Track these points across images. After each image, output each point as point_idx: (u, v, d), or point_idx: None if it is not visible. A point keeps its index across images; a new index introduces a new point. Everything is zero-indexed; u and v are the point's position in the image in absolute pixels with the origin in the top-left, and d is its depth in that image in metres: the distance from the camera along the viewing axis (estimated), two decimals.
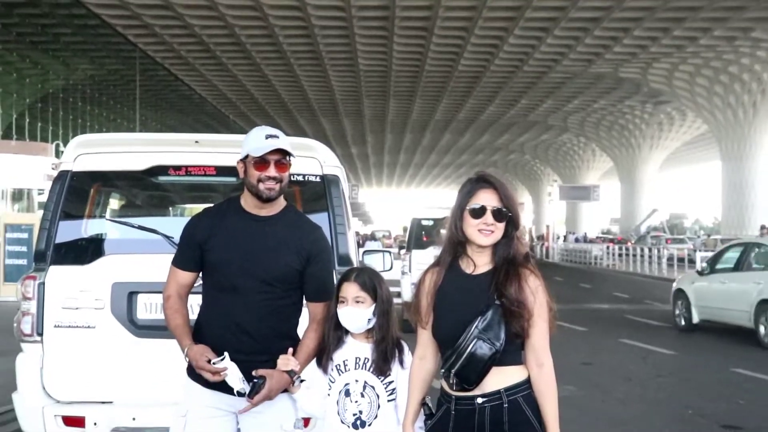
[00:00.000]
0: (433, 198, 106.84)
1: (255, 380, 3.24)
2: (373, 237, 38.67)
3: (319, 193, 4.94)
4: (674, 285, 16.35)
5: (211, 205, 3.71)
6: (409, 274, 15.02)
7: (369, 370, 3.31)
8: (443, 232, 3.22)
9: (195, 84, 46.14)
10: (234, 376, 3.24)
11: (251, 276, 3.37)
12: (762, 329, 12.88)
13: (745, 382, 9.94)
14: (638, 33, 34.25)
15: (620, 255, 39.24)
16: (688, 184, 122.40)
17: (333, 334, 3.36)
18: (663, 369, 10.95)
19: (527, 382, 3.01)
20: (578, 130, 58.82)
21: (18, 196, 28.78)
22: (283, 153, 3.40)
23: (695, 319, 14.95)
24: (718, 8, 30.78)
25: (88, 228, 5.06)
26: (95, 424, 4.56)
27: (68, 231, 4.86)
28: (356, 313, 3.31)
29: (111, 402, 4.67)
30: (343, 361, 3.34)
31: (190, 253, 3.48)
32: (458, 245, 3.12)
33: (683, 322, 15.26)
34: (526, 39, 35.25)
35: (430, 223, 17.24)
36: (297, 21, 32.54)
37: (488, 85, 44.44)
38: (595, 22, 32.56)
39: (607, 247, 42.38)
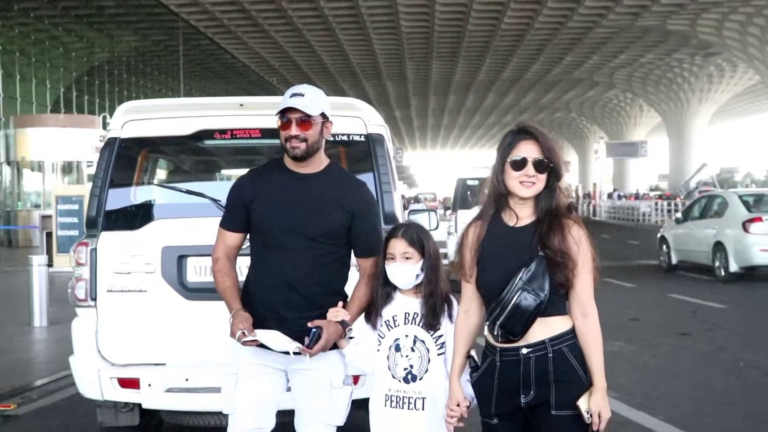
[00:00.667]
0: (478, 158, 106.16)
1: (313, 329, 3.28)
2: (417, 200, 38.51)
3: (364, 152, 4.94)
4: (659, 233, 19.23)
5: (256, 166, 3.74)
6: (455, 234, 14.99)
7: (418, 325, 3.33)
8: (486, 191, 3.20)
9: (238, 52, 46.30)
10: (279, 341, 3.29)
11: (297, 233, 3.39)
12: (716, 264, 15.76)
13: None
14: None
15: (669, 211, 38.65)
16: (740, 138, 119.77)
17: (381, 290, 3.38)
18: (713, 323, 10.83)
19: (572, 332, 3.00)
20: (625, 85, 57.84)
21: (68, 168, 29.25)
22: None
23: (674, 261, 17.74)
24: None
25: (137, 194, 5.13)
26: (149, 385, 4.65)
27: (118, 197, 4.93)
28: (404, 268, 3.32)
29: (164, 364, 4.76)
30: (393, 317, 3.37)
31: (237, 213, 3.51)
32: (500, 198, 3.10)
33: (665, 265, 18.05)
34: None
35: (476, 182, 17.15)
36: None
37: (532, 42, 43.81)
38: None
39: (656, 204, 41.75)
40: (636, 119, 67.22)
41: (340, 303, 3.39)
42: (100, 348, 4.77)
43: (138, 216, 4.94)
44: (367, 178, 4.84)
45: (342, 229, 3.45)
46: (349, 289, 3.55)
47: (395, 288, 3.39)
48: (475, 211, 3.20)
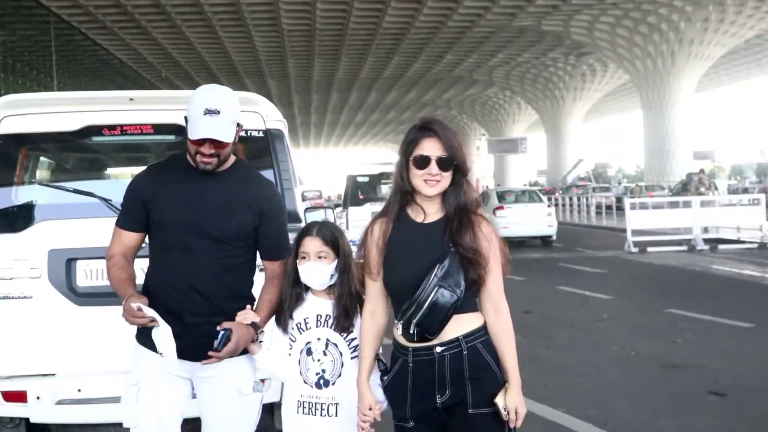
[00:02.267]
0: (363, 156, 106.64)
1: (221, 331, 3.08)
2: (302, 198, 38.17)
3: (262, 148, 4.75)
4: None
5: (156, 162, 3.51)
6: (348, 231, 14.91)
7: (331, 328, 3.19)
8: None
9: (114, 48, 44.76)
10: (168, 341, 3.06)
11: (202, 234, 3.19)
12: None
13: (679, 321, 10.17)
14: None
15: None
16: (611, 134, 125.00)
17: (292, 291, 3.22)
18: (601, 313, 11.14)
19: (484, 328, 2.95)
20: (503, 84, 59.21)
21: None
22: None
23: None
24: None
25: (18, 194, 4.75)
26: (38, 397, 4.34)
27: None
28: (319, 268, 3.18)
29: (53, 374, 4.45)
30: (304, 319, 3.21)
31: (135, 212, 3.28)
32: (406, 194, 3.01)
33: None
34: None
35: (366, 179, 17.11)
36: None
37: (413, 41, 44.28)
38: None
39: None
40: (515, 116, 68.92)
41: (248, 306, 3.22)
42: None
43: (20, 217, 4.58)
44: (266, 174, 4.65)
45: (249, 230, 3.27)
46: (255, 292, 3.38)
47: (307, 289, 3.24)
48: (367, 208, 3.09)
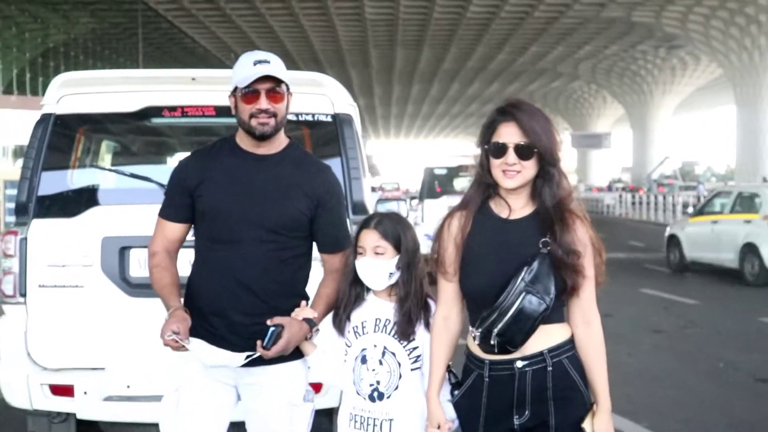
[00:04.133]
0: (443, 148, 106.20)
1: (272, 328, 2.75)
2: (381, 189, 38.12)
3: (330, 134, 4.43)
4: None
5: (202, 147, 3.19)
6: (422, 224, 14.58)
7: (389, 334, 2.82)
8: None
9: (199, 36, 45.41)
10: (216, 357, 2.82)
11: (253, 224, 2.88)
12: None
13: None
14: None
15: (633, 203, 38.72)
16: (702, 131, 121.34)
17: (351, 290, 2.87)
18: (688, 319, 10.53)
19: (571, 342, 2.63)
20: (589, 77, 58.01)
21: (21, 152, 28.40)
22: (276, 80, 2.89)
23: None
24: None
25: (74, 177, 4.56)
26: (85, 393, 4.13)
27: (52, 181, 4.36)
28: (376, 265, 2.82)
29: (103, 368, 4.23)
30: (362, 323, 2.86)
31: (180, 201, 2.99)
32: (489, 187, 2.65)
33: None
34: None
35: (444, 171, 16.72)
36: None
37: (498, 32, 43.64)
38: None
39: (620, 196, 41.88)
40: (599, 111, 67.59)
41: (303, 303, 2.89)
42: (30, 350, 4.22)
43: (75, 202, 4.37)
44: (334, 162, 4.35)
45: (304, 219, 2.94)
46: (311, 290, 3.04)
47: (368, 289, 2.89)
48: (444, 201, 2.72)
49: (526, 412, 2.57)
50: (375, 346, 2.83)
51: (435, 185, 16.33)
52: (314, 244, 3.06)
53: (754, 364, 7.84)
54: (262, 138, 2.91)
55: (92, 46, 47.00)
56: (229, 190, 2.91)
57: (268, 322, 2.78)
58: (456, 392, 2.71)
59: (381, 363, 2.81)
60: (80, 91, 4.46)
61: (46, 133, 4.32)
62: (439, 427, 2.69)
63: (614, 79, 56.21)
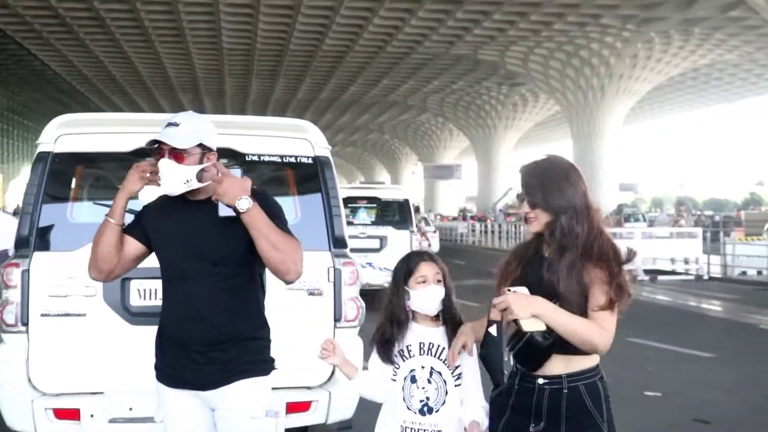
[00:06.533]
0: None
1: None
2: None
3: (311, 174, 4.88)
4: None
5: None
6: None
7: (435, 356, 3.23)
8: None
9: (49, 59, 43.84)
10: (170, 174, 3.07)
11: (197, 258, 3.11)
12: None
13: (644, 350, 10.43)
14: (497, 17, 35.62)
15: (483, 231, 40.44)
16: None
17: (392, 326, 3.24)
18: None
19: (593, 371, 2.90)
20: (437, 110, 59.95)
21: None
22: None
23: None
24: None
25: (74, 212, 4.81)
26: (92, 416, 4.38)
27: (52, 215, 4.60)
28: (438, 291, 3.23)
29: (102, 392, 4.47)
30: (407, 347, 3.24)
31: (138, 227, 3.26)
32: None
33: None
34: (391, 20, 35.81)
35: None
36: None
37: (351, 65, 44.61)
38: (457, 5, 33.44)
39: (471, 225, 43.67)
40: (446, 143, 69.74)
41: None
42: (31, 377, 4.43)
43: (75, 235, 4.59)
44: (315, 200, 4.84)
45: (245, 247, 3.07)
46: (267, 314, 3.29)
47: (407, 318, 3.27)
48: None
49: (542, 423, 2.93)
50: (423, 367, 3.21)
51: None
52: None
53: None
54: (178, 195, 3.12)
55: None
56: (174, 234, 3.16)
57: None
58: (494, 391, 3.08)
59: (429, 381, 3.22)
60: (77, 131, 4.74)
61: (45, 169, 4.56)
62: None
63: (460, 112, 58.35)
